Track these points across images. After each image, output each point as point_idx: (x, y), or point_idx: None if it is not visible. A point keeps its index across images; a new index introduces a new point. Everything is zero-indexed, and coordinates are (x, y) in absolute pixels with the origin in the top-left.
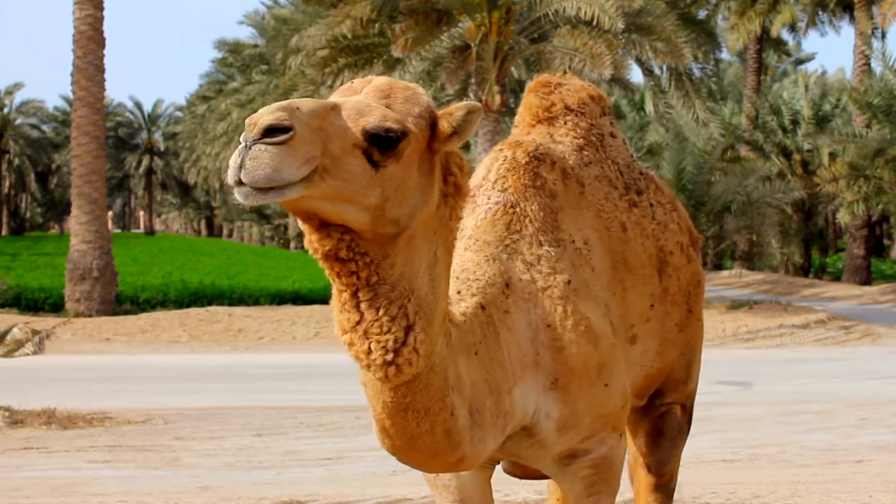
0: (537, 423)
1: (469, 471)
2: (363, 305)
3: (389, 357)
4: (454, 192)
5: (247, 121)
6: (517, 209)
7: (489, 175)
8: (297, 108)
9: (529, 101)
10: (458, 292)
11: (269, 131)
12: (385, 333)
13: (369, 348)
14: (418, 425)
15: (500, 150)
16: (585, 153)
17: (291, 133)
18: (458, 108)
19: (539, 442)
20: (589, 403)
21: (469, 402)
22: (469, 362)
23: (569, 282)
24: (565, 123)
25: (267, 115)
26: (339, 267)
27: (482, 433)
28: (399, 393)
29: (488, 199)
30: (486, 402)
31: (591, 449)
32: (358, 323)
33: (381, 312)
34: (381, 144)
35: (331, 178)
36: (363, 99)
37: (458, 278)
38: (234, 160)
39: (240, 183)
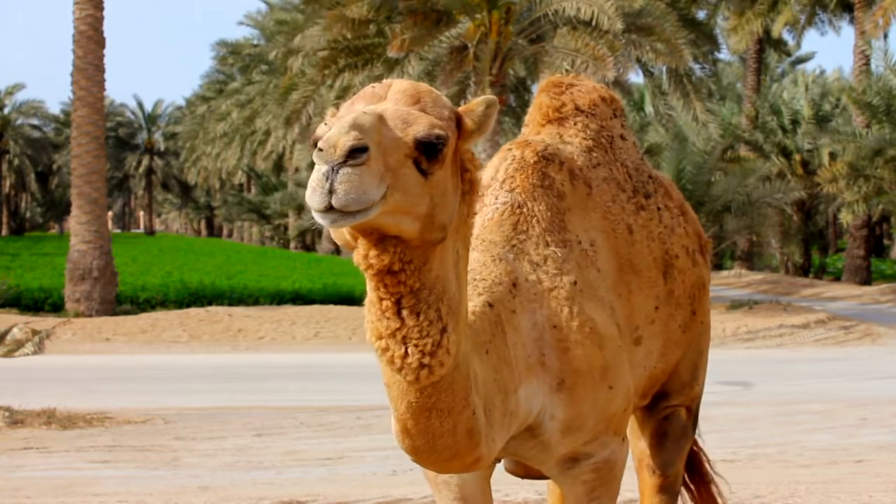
0: (541, 424)
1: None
2: (405, 312)
3: (426, 360)
4: (469, 188)
5: (322, 142)
6: (524, 209)
7: (497, 175)
8: (363, 125)
9: (540, 101)
10: None
11: (350, 152)
12: (424, 337)
13: (406, 352)
14: (441, 425)
15: (509, 149)
16: (594, 155)
17: (369, 152)
18: (477, 104)
19: (542, 443)
20: (593, 405)
21: (483, 401)
22: (481, 361)
23: (575, 283)
24: (575, 124)
25: (344, 135)
26: (389, 279)
27: (493, 433)
28: (425, 393)
29: (496, 198)
30: (496, 401)
31: (593, 453)
32: (398, 329)
33: (421, 318)
34: (430, 152)
35: (394, 191)
36: (400, 106)
37: None
38: (319, 185)
39: (328, 208)
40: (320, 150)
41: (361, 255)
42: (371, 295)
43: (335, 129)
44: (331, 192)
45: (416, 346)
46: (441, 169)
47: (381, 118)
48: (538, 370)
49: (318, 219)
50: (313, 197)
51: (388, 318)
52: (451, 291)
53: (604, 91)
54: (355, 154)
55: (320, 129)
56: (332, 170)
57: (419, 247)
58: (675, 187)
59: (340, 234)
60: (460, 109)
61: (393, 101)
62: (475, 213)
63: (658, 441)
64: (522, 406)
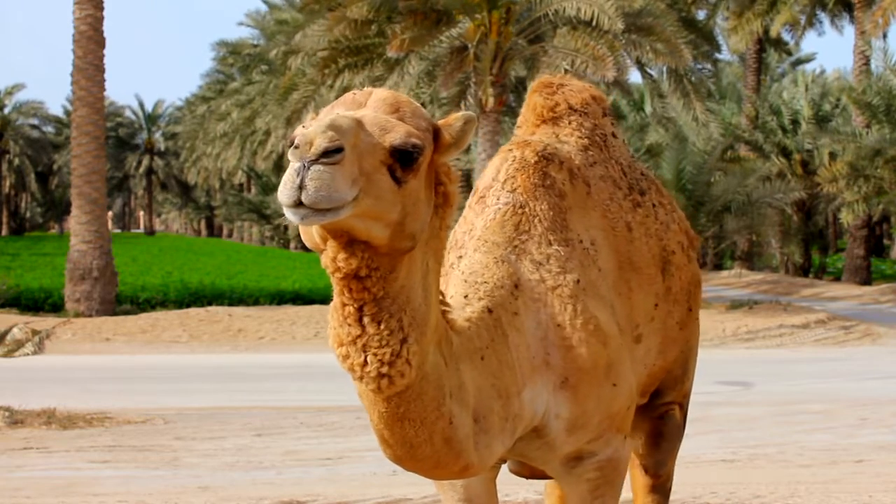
0: (547, 424)
1: None
2: (366, 320)
3: (385, 370)
4: (443, 202)
5: (298, 139)
6: (526, 209)
7: (498, 176)
8: (340, 126)
9: (533, 102)
10: (466, 296)
11: (324, 152)
12: (383, 347)
13: (365, 361)
14: (416, 434)
15: (510, 150)
16: (590, 153)
17: (344, 153)
18: (456, 119)
19: (548, 443)
20: (597, 403)
21: (474, 408)
22: (474, 368)
23: (578, 281)
24: (570, 123)
25: (320, 134)
26: (355, 284)
27: (488, 439)
28: (392, 403)
29: (497, 199)
30: (494, 406)
31: (596, 451)
32: (358, 337)
33: (382, 326)
34: (405, 160)
35: (366, 195)
36: (379, 114)
37: (465, 281)
38: (290, 180)
39: (297, 204)
40: (296, 147)
41: (330, 257)
42: (335, 300)
43: (313, 128)
44: (301, 187)
45: (374, 354)
46: (415, 178)
47: (359, 123)
48: (543, 370)
49: (289, 214)
50: (284, 191)
51: (349, 325)
52: (416, 303)
53: (593, 90)
54: (329, 154)
55: (298, 131)
56: (304, 166)
57: (387, 254)
58: (662, 185)
59: (310, 235)
60: (439, 123)
61: (373, 108)
62: (449, 227)
63: (654, 441)
64: (528, 408)
